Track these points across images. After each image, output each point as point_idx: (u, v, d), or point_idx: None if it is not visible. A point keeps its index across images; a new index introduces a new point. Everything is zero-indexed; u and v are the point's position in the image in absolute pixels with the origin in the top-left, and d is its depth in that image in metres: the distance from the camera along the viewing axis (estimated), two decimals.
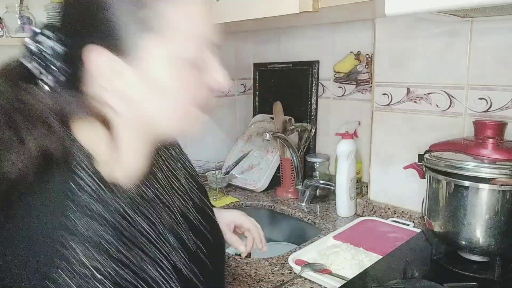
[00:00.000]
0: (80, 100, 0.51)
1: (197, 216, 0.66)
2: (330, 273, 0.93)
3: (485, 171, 0.82)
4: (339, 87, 1.47)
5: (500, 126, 0.90)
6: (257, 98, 1.77)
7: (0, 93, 0.48)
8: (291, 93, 1.61)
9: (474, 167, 0.83)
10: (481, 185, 0.82)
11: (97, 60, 0.48)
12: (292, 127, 1.52)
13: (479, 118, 1.01)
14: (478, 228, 0.85)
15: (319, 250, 1.05)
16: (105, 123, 0.51)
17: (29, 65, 0.50)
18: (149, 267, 0.52)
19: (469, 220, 0.85)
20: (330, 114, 1.52)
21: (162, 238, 0.57)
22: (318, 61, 1.52)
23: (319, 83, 1.53)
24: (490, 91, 1.02)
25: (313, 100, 1.54)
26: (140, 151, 0.56)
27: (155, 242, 0.55)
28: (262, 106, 1.75)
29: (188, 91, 0.52)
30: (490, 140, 0.85)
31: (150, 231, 0.55)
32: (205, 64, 0.53)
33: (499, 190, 0.82)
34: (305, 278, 0.93)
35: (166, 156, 0.68)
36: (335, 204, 1.31)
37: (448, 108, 1.09)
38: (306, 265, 0.96)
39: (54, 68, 0.50)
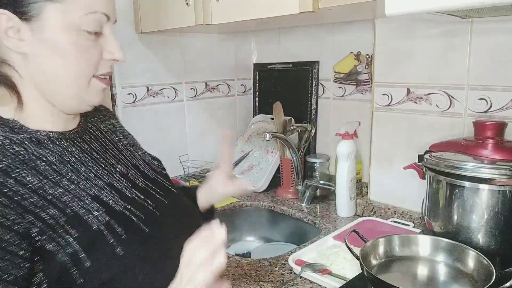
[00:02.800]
0: None
1: (144, 181, 0.71)
2: (330, 274, 0.93)
3: (485, 172, 0.82)
4: (339, 87, 1.47)
5: (500, 127, 0.90)
6: (257, 98, 1.78)
7: None
8: (291, 93, 1.61)
9: (474, 168, 0.83)
10: (481, 186, 0.82)
11: (3, 23, 0.55)
12: (292, 127, 1.52)
13: (479, 118, 1.01)
14: (478, 228, 0.85)
15: (319, 250, 1.05)
16: (11, 84, 0.59)
17: None
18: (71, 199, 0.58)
19: (469, 221, 0.85)
20: (330, 115, 1.52)
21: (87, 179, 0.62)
22: (318, 61, 1.52)
23: (319, 84, 1.53)
24: (490, 91, 1.02)
25: (313, 101, 1.54)
26: (48, 110, 0.62)
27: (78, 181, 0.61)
28: (262, 106, 1.75)
29: (87, 60, 0.60)
30: (490, 140, 0.85)
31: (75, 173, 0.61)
32: (103, 37, 0.62)
33: (499, 191, 0.82)
34: (305, 279, 0.93)
35: (104, 128, 0.76)
36: (335, 205, 1.31)
37: (448, 108, 1.09)
38: (306, 265, 0.96)
39: None
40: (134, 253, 0.58)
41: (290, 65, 1.62)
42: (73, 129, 0.66)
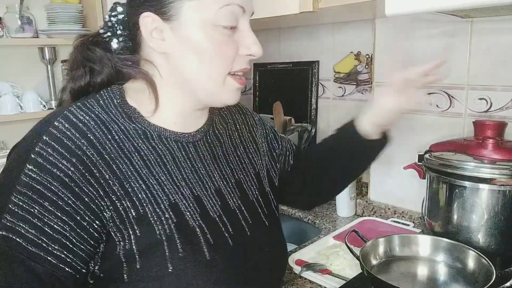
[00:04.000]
0: (135, 63, 0.62)
1: (238, 203, 0.66)
2: (330, 273, 0.93)
3: (485, 171, 0.82)
4: (339, 87, 1.46)
5: (500, 126, 0.90)
6: (257, 98, 1.77)
7: (75, 51, 0.63)
8: (291, 93, 1.61)
9: (474, 167, 0.83)
10: (481, 185, 0.82)
11: (149, 25, 0.58)
12: (292, 127, 1.52)
13: (479, 118, 1.01)
14: (478, 228, 0.85)
15: (319, 250, 1.05)
16: (151, 82, 0.61)
17: (102, 32, 0.63)
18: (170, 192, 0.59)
19: (469, 221, 0.85)
20: (330, 114, 1.52)
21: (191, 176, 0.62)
22: (318, 61, 1.52)
23: (319, 83, 1.53)
24: (490, 91, 1.02)
25: (313, 100, 1.54)
26: (175, 112, 0.63)
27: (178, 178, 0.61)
28: (262, 106, 1.75)
29: (223, 57, 0.59)
30: (490, 140, 0.85)
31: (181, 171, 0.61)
32: (238, 31, 0.60)
33: (499, 190, 0.82)
34: (305, 278, 0.93)
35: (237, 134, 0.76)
36: (335, 204, 1.31)
37: (448, 108, 1.09)
38: (306, 265, 0.96)
39: (120, 34, 0.63)
40: (183, 274, 0.55)
41: (290, 65, 1.62)
42: (191, 132, 0.65)
